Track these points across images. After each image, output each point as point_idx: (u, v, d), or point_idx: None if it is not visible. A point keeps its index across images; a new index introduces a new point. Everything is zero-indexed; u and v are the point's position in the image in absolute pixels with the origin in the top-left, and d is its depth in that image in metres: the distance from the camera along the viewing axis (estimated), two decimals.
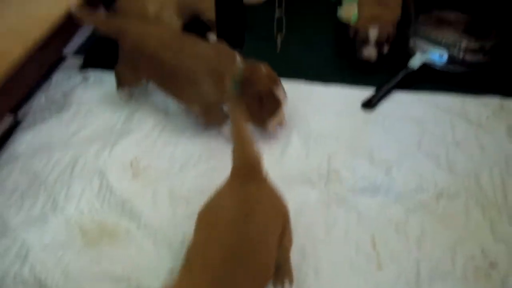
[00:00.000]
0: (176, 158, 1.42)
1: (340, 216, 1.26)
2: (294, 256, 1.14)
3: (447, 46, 1.74)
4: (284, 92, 1.38)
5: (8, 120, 1.59)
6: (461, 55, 1.73)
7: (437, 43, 1.75)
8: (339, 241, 1.21)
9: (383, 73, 1.72)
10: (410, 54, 1.76)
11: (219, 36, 1.57)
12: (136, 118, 1.56)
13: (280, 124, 1.42)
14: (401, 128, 1.53)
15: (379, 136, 1.50)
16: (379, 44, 1.70)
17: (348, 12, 1.45)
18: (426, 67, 1.74)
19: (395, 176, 1.36)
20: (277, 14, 1.51)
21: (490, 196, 1.32)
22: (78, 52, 1.90)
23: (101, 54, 1.84)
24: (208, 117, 1.44)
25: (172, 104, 1.59)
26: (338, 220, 1.26)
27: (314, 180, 1.35)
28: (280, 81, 1.37)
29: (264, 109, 1.35)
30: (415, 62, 1.74)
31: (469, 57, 1.73)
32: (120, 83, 1.58)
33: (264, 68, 1.36)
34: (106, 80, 1.70)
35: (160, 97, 1.61)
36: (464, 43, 1.74)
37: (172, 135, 1.50)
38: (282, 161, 1.42)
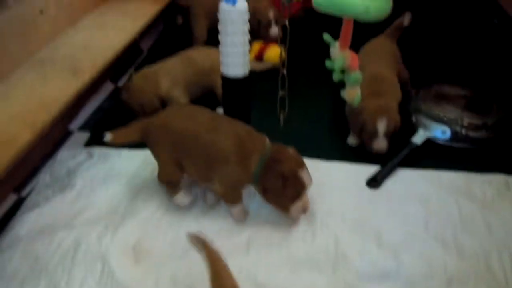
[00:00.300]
0: (180, 241, 1.39)
1: None
2: None
3: (449, 123, 1.76)
4: (310, 177, 1.35)
5: (12, 198, 1.58)
6: (464, 132, 1.75)
7: (439, 119, 1.78)
8: None
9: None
10: (412, 130, 1.79)
11: (225, 112, 1.59)
12: (140, 197, 1.55)
13: (304, 210, 1.38)
14: (407, 207, 1.51)
15: (386, 216, 1.48)
16: (388, 134, 1.68)
17: (351, 95, 1.47)
18: (429, 143, 1.76)
19: (404, 261, 1.32)
20: (280, 94, 1.53)
21: (501, 281, 1.28)
22: (83, 127, 1.93)
23: (106, 131, 1.86)
24: (228, 197, 1.42)
25: None
26: None
27: (321, 265, 1.32)
28: (305, 166, 1.36)
29: (288, 191, 1.32)
30: (418, 138, 1.75)
31: (472, 134, 1.75)
32: (173, 188, 1.49)
33: (291, 151, 1.36)
34: (111, 157, 1.70)
35: None
36: (466, 120, 1.76)
37: (176, 216, 1.48)
38: (288, 242, 1.40)
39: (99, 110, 2.04)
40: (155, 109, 1.78)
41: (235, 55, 1.41)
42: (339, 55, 1.40)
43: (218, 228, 1.43)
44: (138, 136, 1.46)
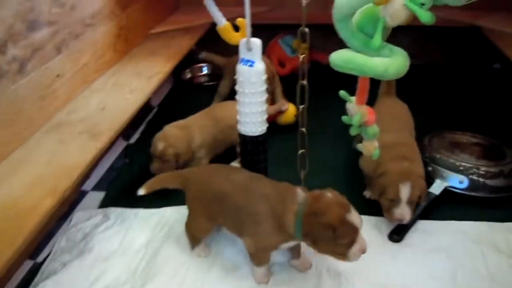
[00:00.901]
0: None
1: None
2: None
3: (465, 171, 1.76)
4: (359, 217, 1.26)
5: (27, 265, 1.55)
6: (481, 180, 1.74)
7: (455, 168, 1.77)
8: None
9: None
10: (429, 181, 1.78)
11: (243, 166, 1.58)
12: (159, 259, 1.52)
13: (363, 250, 1.28)
14: (432, 261, 1.48)
15: (412, 272, 1.44)
16: (412, 202, 1.56)
17: (370, 148, 1.47)
18: (447, 192, 1.75)
19: None
20: (299, 152, 1.53)
21: None
22: (97, 187, 1.92)
23: (121, 191, 1.85)
24: (257, 257, 1.38)
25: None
26: None
27: None
28: (351, 206, 1.26)
29: (341, 240, 1.22)
30: (437, 189, 1.75)
31: (489, 182, 1.74)
32: (195, 241, 1.52)
33: (331, 195, 1.27)
34: (127, 218, 1.68)
35: (182, 234, 1.59)
36: (482, 168, 1.75)
37: (198, 277, 1.45)
38: None
39: (112, 168, 2.04)
40: (188, 161, 1.83)
41: (253, 115, 1.42)
42: (357, 110, 1.42)
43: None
44: (178, 184, 1.50)
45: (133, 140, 2.26)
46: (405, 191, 1.53)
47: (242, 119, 1.44)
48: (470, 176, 1.75)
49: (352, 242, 1.24)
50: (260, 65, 1.37)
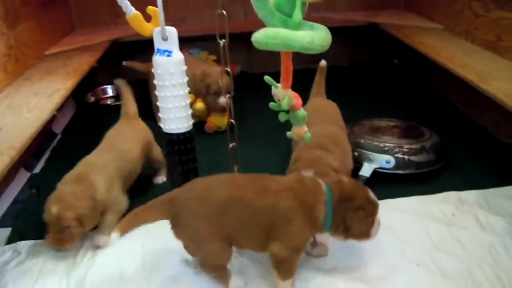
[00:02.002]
0: None
1: None
2: None
3: (390, 151, 1.79)
4: (372, 193, 1.28)
5: None
6: (406, 158, 1.78)
7: (380, 150, 1.80)
8: None
9: None
10: (358, 166, 1.78)
11: (170, 172, 1.46)
12: (87, 285, 1.32)
13: (379, 226, 1.29)
14: (379, 241, 1.44)
15: (361, 254, 1.40)
16: None
17: (300, 133, 1.42)
18: (377, 174, 1.76)
19: None
20: (230, 145, 1.44)
21: None
22: (2, 222, 1.66)
23: (30, 223, 1.61)
24: (288, 267, 1.23)
25: (127, 263, 1.39)
26: None
27: None
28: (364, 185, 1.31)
29: (369, 218, 1.24)
30: (366, 171, 1.75)
31: (414, 158, 1.78)
32: (223, 272, 1.29)
33: (346, 179, 1.27)
34: (42, 250, 1.46)
35: (113, 256, 1.41)
36: (405, 146, 1.80)
37: None
38: None
39: (16, 202, 1.79)
40: (95, 221, 1.46)
41: (177, 110, 1.31)
42: (284, 94, 1.37)
43: None
44: (163, 214, 1.22)
45: (37, 170, 2.02)
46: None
47: (166, 116, 1.33)
48: (396, 155, 1.78)
49: (374, 219, 1.26)
50: (178, 55, 1.28)
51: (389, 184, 1.76)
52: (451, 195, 1.67)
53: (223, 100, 2.11)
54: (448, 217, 1.56)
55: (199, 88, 2.18)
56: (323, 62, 1.92)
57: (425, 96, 2.62)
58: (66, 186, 1.44)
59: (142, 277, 1.35)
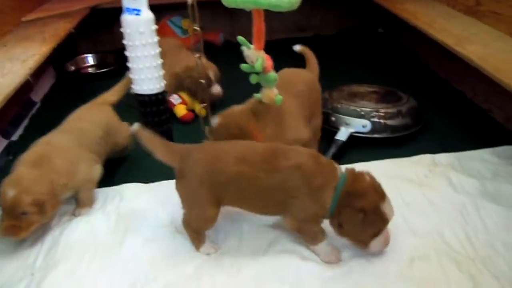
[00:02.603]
0: (116, 286, 1.21)
1: None
2: None
3: (367, 116, 1.79)
4: (392, 209, 1.19)
5: None
6: (382, 122, 1.79)
7: (357, 114, 1.81)
8: None
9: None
10: (335, 130, 1.79)
11: None
12: (61, 245, 1.33)
13: (386, 243, 1.21)
14: None
15: None
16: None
17: (270, 96, 1.43)
18: (353, 138, 1.77)
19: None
20: (201, 106, 1.44)
21: (460, 251, 1.28)
22: None
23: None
24: (306, 234, 1.24)
25: (102, 226, 1.40)
26: None
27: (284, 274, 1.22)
28: (387, 196, 1.19)
29: (368, 227, 1.16)
30: (342, 135, 1.76)
31: (390, 122, 1.79)
32: (200, 237, 1.29)
33: (369, 178, 1.19)
34: None
35: (87, 219, 1.42)
36: (382, 110, 1.81)
37: (106, 260, 1.29)
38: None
39: None
40: (56, 208, 1.36)
41: (148, 71, 1.30)
42: (257, 55, 1.37)
43: (156, 267, 1.27)
44: (172, 160, 1.23)
45: (15, 137, 2.01)
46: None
47: (137, 77, 1.32)
48: (372, 119, 1.79)
49: (378, 232, 1.17)
50: (147, 13, 1.26)
51: (366, 148, 1.77)
52: (425, 157, 1.68)
53: (217, 89, 2.05)
54: (421, 179, 1.58)
55: (187, 85, 2.00)
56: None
57: (407, 64, 2.62)
58: (25, 167, 1.33)
59: (116, 239, 1.36)
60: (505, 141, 1.77)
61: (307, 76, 1.64)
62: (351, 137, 1.78)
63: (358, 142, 1.78)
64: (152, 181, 1.59)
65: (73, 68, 2.64)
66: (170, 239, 1.34)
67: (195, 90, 1.87)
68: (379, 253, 1.23)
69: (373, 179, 1.19)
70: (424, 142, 1.82)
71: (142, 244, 1.33)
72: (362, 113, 1.81)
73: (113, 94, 1.60)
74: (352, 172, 1.20)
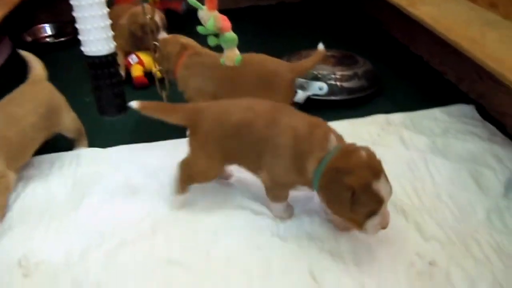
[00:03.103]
0: (73, 246, 1.22)
1: None
2: None
3: (324, 78, 1.82)
4: (389, 187, 1.09)
5: None
6: (338, 84, 1.82)
7: (314, 77, 1.83)
8: None
9: None
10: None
11: (97, 99, 1.44)
12: (15, 210, 1.33)
13: (383, 226, 1.11)
14: None
15: None
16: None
17: (231, 57, 1.43)
18: (311, 101, 1.80)
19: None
20: (156, 69, 1.44)
21: (407, 202, 1.33)
22: None
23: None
24: (272, 193, 1.24)
25: (59, 189, 1.40)
26: None
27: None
28: (383, 173, 1.08)
29: (359, 208, 1.06)
30: (299, 98, 1.79)
31: (346, 84, 1.83)
32: (185, 186, 1.31)
33: (365, 154, 1.09)
34: None
35: (42, 178, 1.42)
36: (338, 73, 1.84)
37: (63, 222, 1.29)
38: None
39: None
40: None
41: (96, 32, 1.29)
42: (209, 16, 1.37)
43: (117, 222, 1.29)
44: (182, 119, 1.25)
45: None
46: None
47: (85, 38, 1.31)
48: (329, 82, 1.82)
49: (372, 213, 1.07)
50: None
51: (323, 110, 1.79)
52: (379, 117, 1.73)
53: (164, 35, 2.05)
54: (374, 138, 1.62)
55: (134, 31, 1.95)
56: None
57: (368, 30, 2.65)
58: None
59: (73, 202, 1.36)
60: (458, 100, 1.83)
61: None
62: (309, 100, 1.81)
63: (316, 104, 1.81)
64: (109, 146, 1.59)
65: (30, 38, 2.57)
66: (126, 200, 1.36)
67: (142, 36, 1.85)
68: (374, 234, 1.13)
69: (370, 157, 1.10)
70: (380, 103, 1.87)
71: (99, 206, 1.34)
72: (319, 76, 1.83)
73: (36, 68, 1.51)
74: (346, 147, 1.13)
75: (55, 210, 1.33)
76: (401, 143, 1.59)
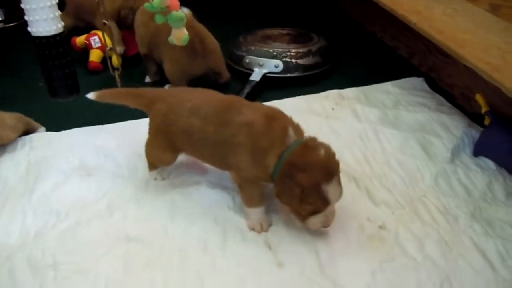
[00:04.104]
0: (28, 227, 1.21)
1: None
2: None
3: (279, 56, 1.85)
4: (338, 190, 1.10)
5: None
6: (293, 61, 1.85)
7: (269, 55, 1.85)
8: None
9: (229, 90, 1.76)
10: (250, 71, 1.84)
11: (48, 83, 1.41)
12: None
13: (324, 225, 1.12)
14: None
15: None
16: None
17: (179, 36, 1.44)
18: (267, 78, 1.83)
19: None
20: (108, 48, 1.43)
21: (358, 170, 1.38)
22: None
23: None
24: (245, 194, 1.20)
25: (12, 172, 1.38)
26: None
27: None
28: (336, 175, 1.09)
29: (305, 205, 1.08)
30: (256, 76, 1.81)
31: (301, 61, 1.86)
32: (153, 166, 1.36)
33: (323, 153, 1.09)
34: None
35: None
36: (293, 50, 1.86)
37: (17, 204, 1.28)
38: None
39: None
40: None
41: (42, 11, 1.27)
42: None
43: (77, 198, 1.28)
44: (139, 105, 1.30)
45: None
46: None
47: (31, 18, 1.28)
48: (284, 59, 1.84)
49: (315, 211, 1.09)
50: None
51: (279, 88, 1.83)
52: (333, 92, 1.77)
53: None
54: (328, 111, 1.66)
55: (125, 16, 1.96)
56: None
57: (324, 9, 2.67)
58: None
59: (26, 185, 1.34)
60: (410, 74, 1.89)
61: None
62: (266, 78, 1.83)
63: (273, 82, 1.84)
64: (64, 129, 1.57)
65: None
66: (81, 182, 1.35)
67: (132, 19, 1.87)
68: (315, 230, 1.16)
69: (328, 155, 1.10)
70: (335, 79, 1.91)
71: (53, 188, 1.33)
72: (274, 53, 1.86)
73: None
74: (306, 142, 1.12)
75: (8, 193, 1.31)
76: (353, 116, 1.63)
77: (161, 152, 1.29)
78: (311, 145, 1.11)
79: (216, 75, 1.78)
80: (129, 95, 1.31)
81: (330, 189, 1.06)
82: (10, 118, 1.49)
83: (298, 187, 1.05)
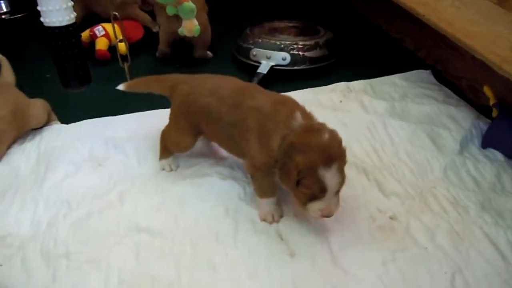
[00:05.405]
0: (40, 217, 1.22)
1: None
2: None
3: (286, 49, 1.85)
4: (338, 177, 1.04)
5: None
6: (301, 54, 1.85)
7: (276, 48, 1.85)
8: None
9: None
10: (257, 64, 1.85)
11: (60, 74, 1.42)
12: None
13: (324, 214, 1.08)
14: None
15: None
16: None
17: (189, 27, 1.44)
18: (274, 71, 1.83)
19: None
20: (117, 40, 1.43)
21: (367, 161, 1.39)
22: None
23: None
24: (259, 186, 1.20)
25: (24, 163, 1.38)
26: None
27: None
28: (336, 162, 1.03)
29: (301, 186, 1.05)
30: (263, 68, 1.81)
31: (308, 54, 1.85)
32: (166, 153, 1.36)
33: (327, 137, 1.05)
34: None
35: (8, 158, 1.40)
36: (300, 43, 1.86)
37: (28, 195, 1.28)
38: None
39: None
40: None
41: (56, 1, 1.27)
42: None
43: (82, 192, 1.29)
44: (164, 90, 1.33)
45: None
46: None
47: (44, 8, 1.27)
48: (291, 52, 1.84)
49: (312, 197, 1.06)
50: None
51: (287, 80, 1.83)
52: (341, 85, 1.77)
53: None
54: (335, 104, 1.66)
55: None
56: None
57: (330, 2, 2.66)
58: None
59: (37, 176, 1.34)
60: (416, 67, 1.89)
61: None
62: (273, 70, 1.83)
63: (280, 75, 1.84)
64: (74, 121, 1.58)
65: None
66: (91, 173, 1.35)
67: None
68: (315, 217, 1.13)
69: (332, 140, 1.06)
70: (341, 72, 1.91)
71: (64, 178, 1.33)
72: (282, 46, 1.85)
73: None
74: (311, 125, 1.09)
75: (19, 184, 1.31)
76: (361, 108, 1.63)
77: (181, 135, 1.30)
78: (316, 128, 1.08)
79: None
80: (156, 81, 1.35)
81: (327, 174, 1.02)
82: (40, 102, 1.51)
83: (295, 169, 1.03)
